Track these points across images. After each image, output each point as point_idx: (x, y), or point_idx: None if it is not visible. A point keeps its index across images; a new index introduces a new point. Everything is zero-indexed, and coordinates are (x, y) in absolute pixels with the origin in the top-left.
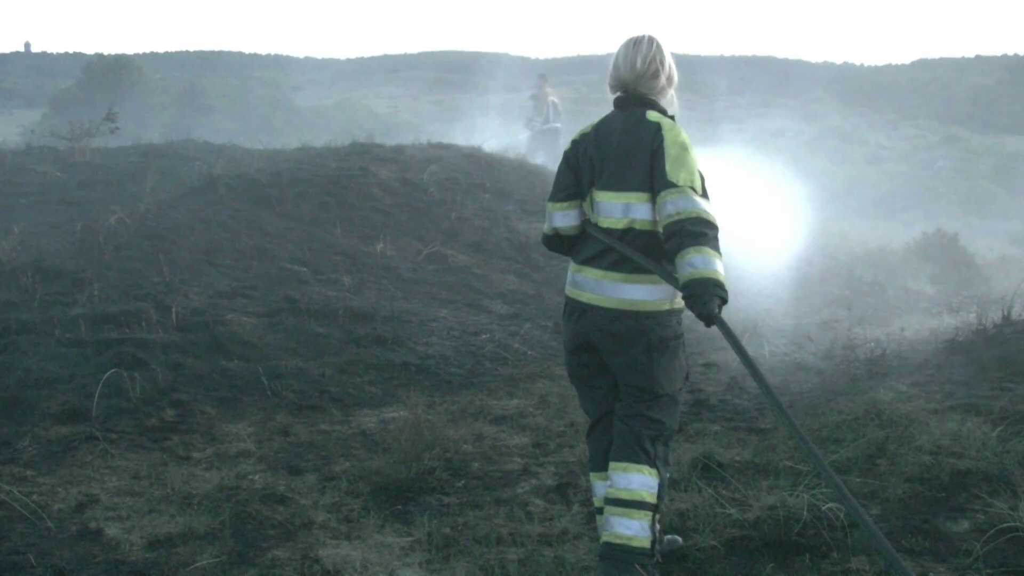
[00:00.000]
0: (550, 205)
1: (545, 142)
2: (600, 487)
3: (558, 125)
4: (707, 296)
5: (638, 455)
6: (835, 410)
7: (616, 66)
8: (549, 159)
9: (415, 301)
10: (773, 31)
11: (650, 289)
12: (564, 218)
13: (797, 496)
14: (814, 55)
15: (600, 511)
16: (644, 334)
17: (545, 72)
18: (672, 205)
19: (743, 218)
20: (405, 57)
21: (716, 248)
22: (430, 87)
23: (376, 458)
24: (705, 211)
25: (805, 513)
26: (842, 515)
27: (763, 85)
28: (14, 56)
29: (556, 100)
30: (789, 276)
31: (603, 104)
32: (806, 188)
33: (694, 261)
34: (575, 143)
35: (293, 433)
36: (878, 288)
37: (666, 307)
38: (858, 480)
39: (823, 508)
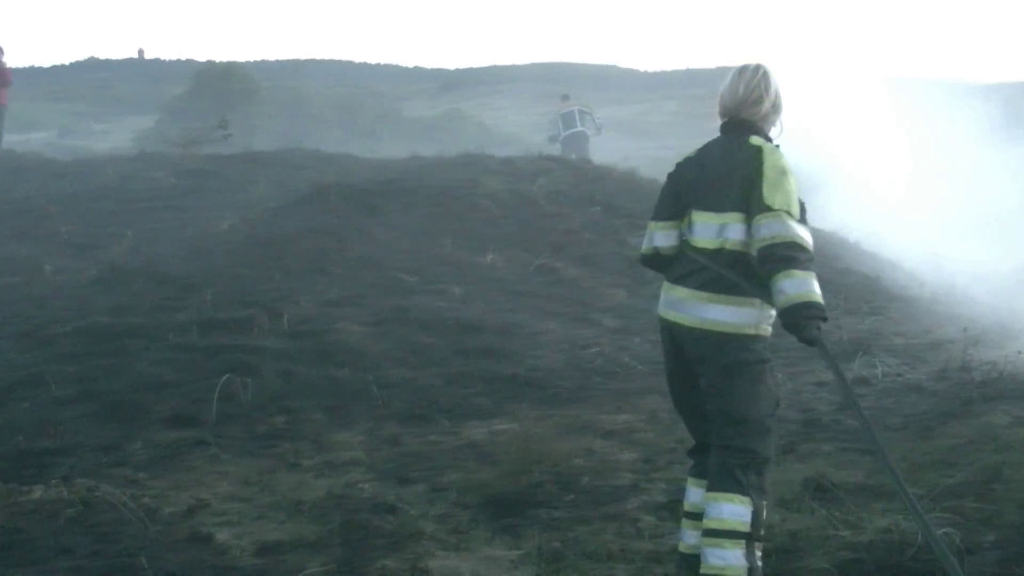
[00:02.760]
0: (652, 225)
1: (574, 146)
2: (692, 492)
3: (582, 129)
4: (803, 321)
5: (728, 484)
6: (948, 433)
7: (722, 94)
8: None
9: (524, 313)
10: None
11: (735, 311)
12: (665, 238)
13: (911, 520)
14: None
15: (688, 515)
16: (725, 356)
17: (568, 93)
18: (767, 229)
19: (852, 230)
20: (513, 68)
21: (808, 268)
22: (537, 99)
23: (485, 470)
24: (799, 236)
25: (919, 537)
26: (958, 540)
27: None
28: (127, 63)
29: (573, 108)
30: (899, 294)
31: (709, 119)
32: (917, 205)
33: (784, 287)
34: (679, 165)
35: (402, 443)
36: (991, 309)
37: (750, 331)
38: (973, 505)
39: (938, 533)
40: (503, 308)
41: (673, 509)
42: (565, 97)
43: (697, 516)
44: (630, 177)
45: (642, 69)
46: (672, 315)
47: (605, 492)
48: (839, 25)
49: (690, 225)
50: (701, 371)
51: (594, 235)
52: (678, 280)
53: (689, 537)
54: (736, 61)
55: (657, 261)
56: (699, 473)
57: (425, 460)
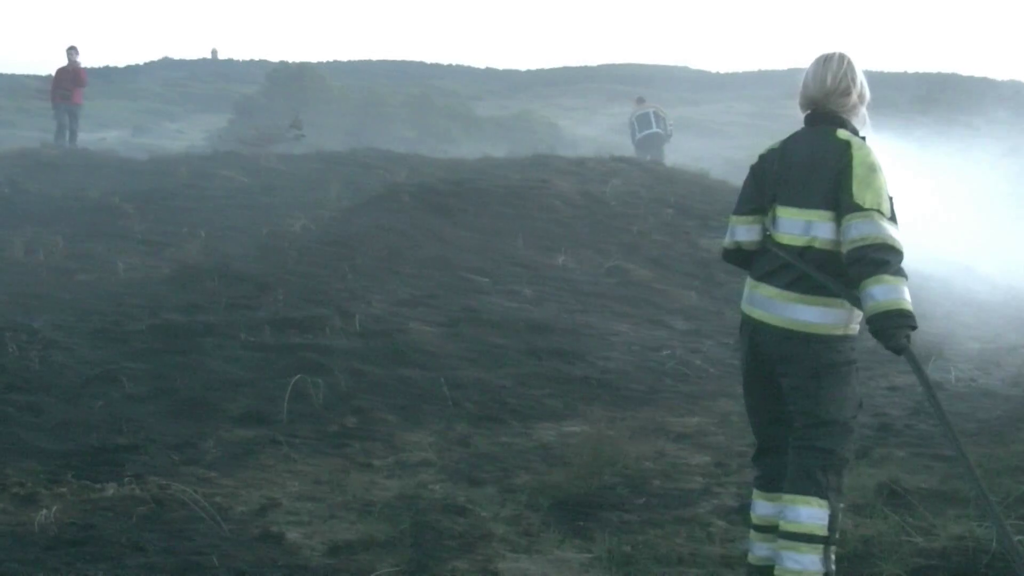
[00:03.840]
0: (733, 218)
1: (648, 148)
2: (759, 505)
3: (657, 131)
4: (892, 329)
5: (807, 487)
6: (1023, 439)
7: (806, 84)
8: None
9: (595, 314)
10: (957, 48)
11: (823, 312)
12: (747, 232)
13: (986, 527)
14: (1000, 72)
15: (756, 527)
16: (812, 357)
17: (643, 95)
18: (856, 230)
19: (928, 237)
20: (585, 69)
21: (899, 273)
22: (609, 100)
23: (556, 472)
24: (890, 236)
25: (994, 544)
26: None
27: (946, 102)
28: (201, 63)
29: (648, 110)
30: (973, 298)
31: (780, 120)
32: (989, 209)
33: (874, 293)
34: (762, 157)
35: (473, 444)
36: None
37: (839, 332)
38: None
39: (1014, 540)
40: (574, 309)
41: (744, 514)
42: (640, 100)
43: (765, 528)
44: (702, 178)
45: (714, 70)
46: (757, 313)
47: (676, 495)
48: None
49: (774, 220)
50: (784, 371)
51: (666, 236)
52: (763, 277)
53: (759, 549)
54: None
55: (739, 256)
56: (763, 485)
57: (496, 461)
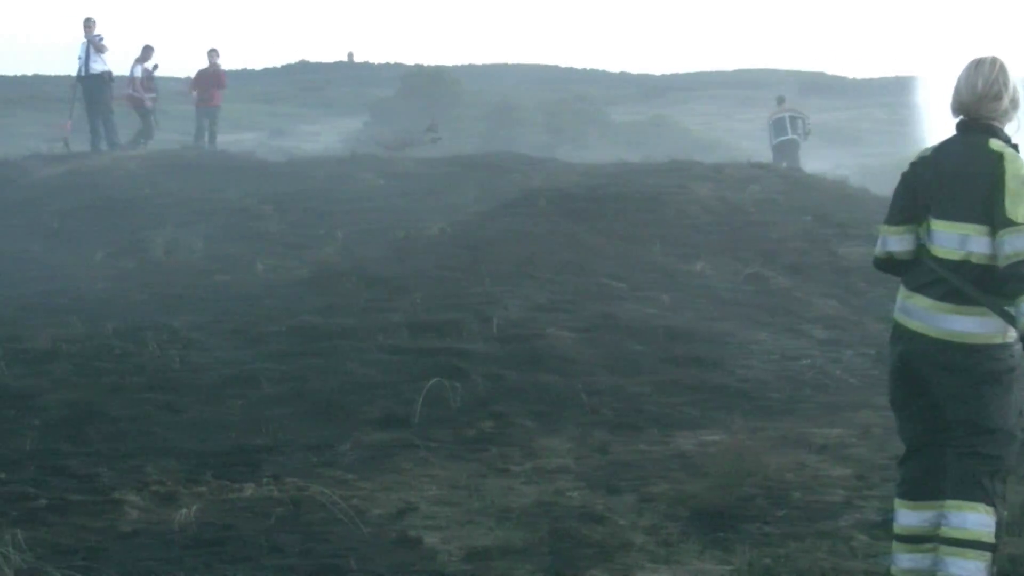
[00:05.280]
0: (885, 228)
1: (784, 154)
2: (903, 515)
3: (792, 137)
4: None
5: (974, 492)
6: None
7: (957, 89)
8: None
9: (733, 322)
10: None
11: (981, 321)
12: (899, 242)
13: None
14: None
15: (899, 538)
16: (973, 367)
17: (783, 95)
18: (1009, 245)
19: None
20: (720, 74)
21: None
22: (743, 105)
23: (695, 481)
24: None
25: None
26: None
27: None
28: (337, 66)
29: (789, 114)
30: None
31: (916, 126)
32: None
33: None
34: (914, 165)
35: (611, 451)
36: None
37: (998, 340)
38: None
39: None
40: (712, 316)
41: (887, 528)
42: (780, 99)
43: (909, 539)
44: (841, 186)
45: (850, 76)
46: (913, 324)
47: (817, 508)
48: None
49: (929, 232)
50: (942, 381)
51: (805, 244)
52: (918, 288)
53: (903, 560)
54: (943, 66)
55: (892, 265)
56: (906, 493)
57: (634, 469)
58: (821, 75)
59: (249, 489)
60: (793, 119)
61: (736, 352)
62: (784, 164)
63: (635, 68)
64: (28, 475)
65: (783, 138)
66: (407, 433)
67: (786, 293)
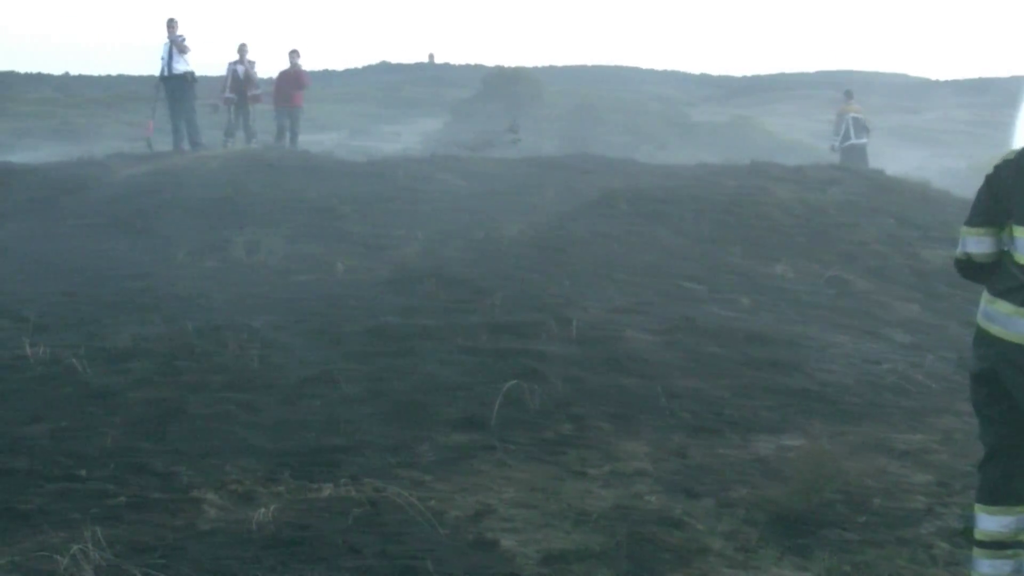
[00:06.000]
0: (964, 229)
1: (852, 158)
2: (983, 520)
3: (862, 141)
4: None
5: None
6: None
7: None
8: None
9: (813, 325)
10: None
11: None
12: (977, 244)
13: None
14: None
15: (980, 544)
16: None
17: (851, 89)
18: None
19: None
20: (801, 76)
21: None
22: (825, 106)
23: (774, 486)
24: None
25: None
26: None
27: None
28: (418, 67)
29: (857, 116)
30: None
31: (1001, 128)
32: None
33: None
34: (997, 168)
35: (689, 455)
36: None
37: None
38: None
39: None
40: (792, 320)
41: (969, 536)
42: (848, 94)
43: (990, 544)
44: (923, 188)
45: (933, 77)
46: (994, 329)
47: (898, 515)
48: None
49: (1011, 238)
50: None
51: (886, 247)
52: (1001, 294)
53: (983, 566)
54: None
55: (972, 269)
56: (986, 498)
57: (712, 473)
58: (904, 76)
59: (327, 489)
60: (858, 121)
61: (816, 356)
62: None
63: (715, 69)
64: (108, 473)
65: (859, 141)
66: (485, 435)
67: (867, 296)
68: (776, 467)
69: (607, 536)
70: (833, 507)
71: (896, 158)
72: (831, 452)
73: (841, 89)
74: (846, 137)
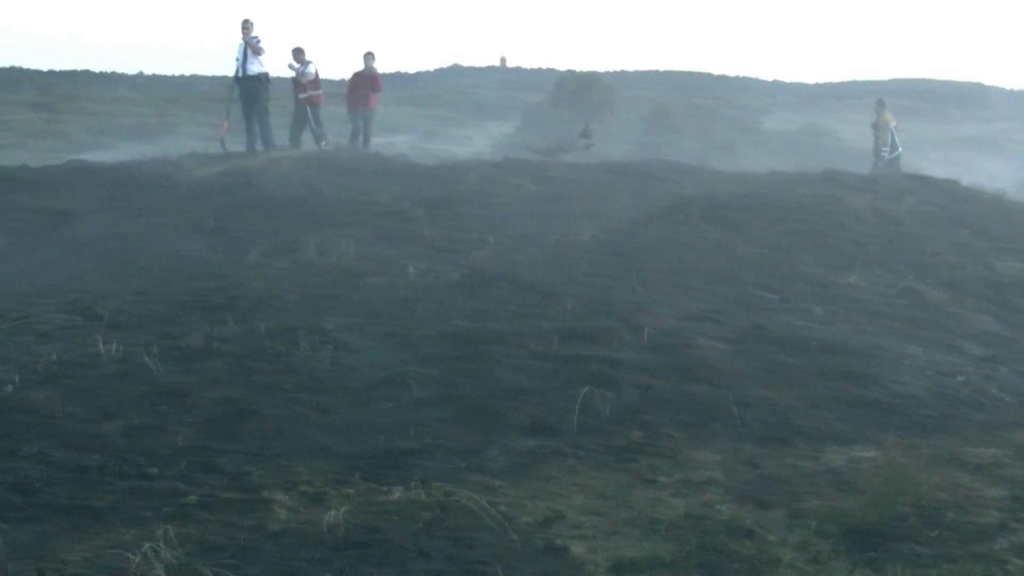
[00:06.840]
0: None
1: (894, 167)
2: None
3: (898, 151)
4: None
5: None
6: None
7: None
8: None
9: (886, 336)
10: None
11: None
12: None
13: None
14: None
15: None
16: None
17: (883, 99)
18: None
19: None
20: (874, 84)
21: None
22: (898, 114)
23: (846, 498)
24: None
25: None
26: None
27: None
28: (489, 70)
29: (895, 125)
30: None
31: None
32: None
33: None
34: None
35: (760, 465)
36: None
37: None
38: None
39: None
40: (865, 330)
41: None
42: (881, 103)
43: None
44: (998, 199)
45: (1008, 87)
46: None
47: (971, 529)
48: None
49: None
50: None
51: (960, 258)
52: None
53: None
54: None
55: None
56: None
57: (784, 484)
58: (978, 85)
59: (397, 492)
60: (896, 131)
61: (889, 367)
62: None
63: (788, 76)
64: (179, 471)
65: (899, 153)
66: (556, 440)
67: (940, 307)
68: (848, 479)
69: (677, 545)
70: (905, 520)
71: (971, 168)
72: (904, 464)
73: (914, 97)
74: (894, 147)
